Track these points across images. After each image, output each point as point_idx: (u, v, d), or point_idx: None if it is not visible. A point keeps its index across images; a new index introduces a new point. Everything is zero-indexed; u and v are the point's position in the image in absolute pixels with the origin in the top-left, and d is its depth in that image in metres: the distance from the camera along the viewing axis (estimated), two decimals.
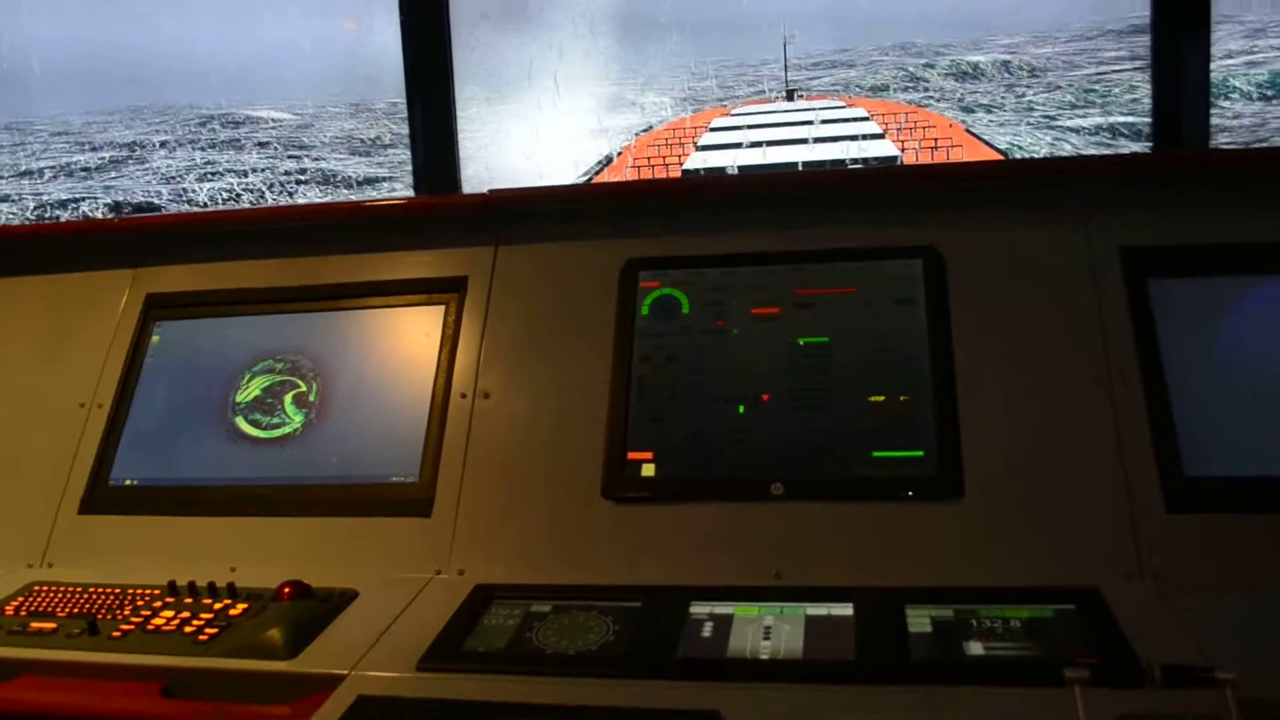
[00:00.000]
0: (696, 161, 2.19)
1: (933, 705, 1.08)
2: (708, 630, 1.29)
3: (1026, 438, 1.48)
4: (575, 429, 1.63)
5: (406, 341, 1.80)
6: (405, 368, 1.77)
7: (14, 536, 1.73)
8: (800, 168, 2.04)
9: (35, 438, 1.82)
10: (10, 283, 1.94)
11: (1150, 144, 2.03)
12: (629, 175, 2.09)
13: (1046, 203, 1.62)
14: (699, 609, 1.34)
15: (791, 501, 1.51)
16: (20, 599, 1.52)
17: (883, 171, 2.08)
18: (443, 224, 1.85)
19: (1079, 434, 1.47)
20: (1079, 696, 0.92)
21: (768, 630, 1.28)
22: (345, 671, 1.25)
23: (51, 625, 1.42)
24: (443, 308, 1.80)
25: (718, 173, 2.04)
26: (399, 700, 1.16)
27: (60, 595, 1.52)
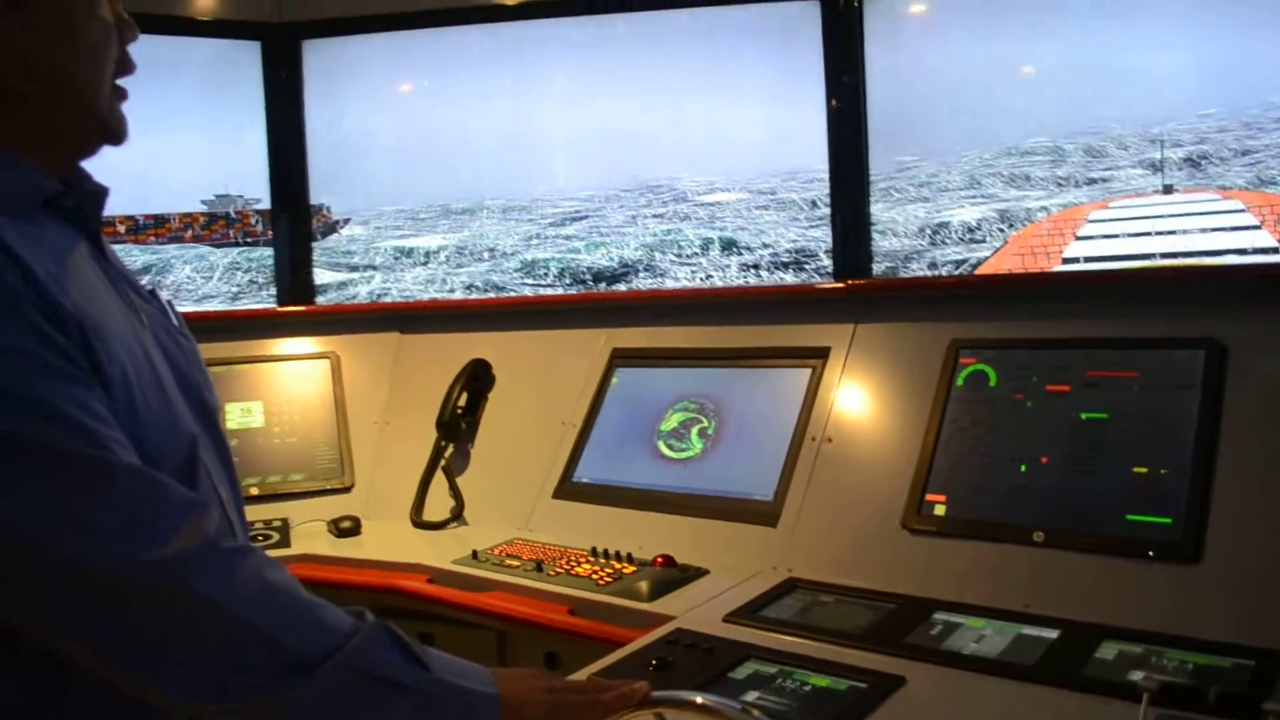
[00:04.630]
0: (1075, 250, 2.27)
1: (1051, 704, 1.38)
2: (936, 630, 1.67)
3: (1276, 518, 1.64)
4: (890, 472, 2.05)
5: (780, 394, 2.33)
6: (776, 414, 2.30)
7: (512, 508, 2.52)
8: (1159, 257, 2.26)
9: (532, 444, 2.62)
10: (525, 335, 2.79)
11: None
12: (1011, 260, 2.24)
13: None
14: (939, 615, 1.72)
15: (1049, 549, 1.80)
16: (504, 546, 2.29)
17: (1172, 270, 2.23)
18: (816, 305, 2.37)
19: None
20: (1144, 705, 1.19)
21: (981, 638, 1.62)
22: (676, 614, 1.82)
23: (517, 563, 2.16)
24: (809, 370, 2.32)
25: (1093, 261, 2.19)
26: (698, 634, 1.69)
27: (528, 547, 2.26)
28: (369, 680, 0.97)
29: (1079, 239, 2.67)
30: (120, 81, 1.14)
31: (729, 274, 2.84)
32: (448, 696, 1.03)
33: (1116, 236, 2.60)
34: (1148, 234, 2.53)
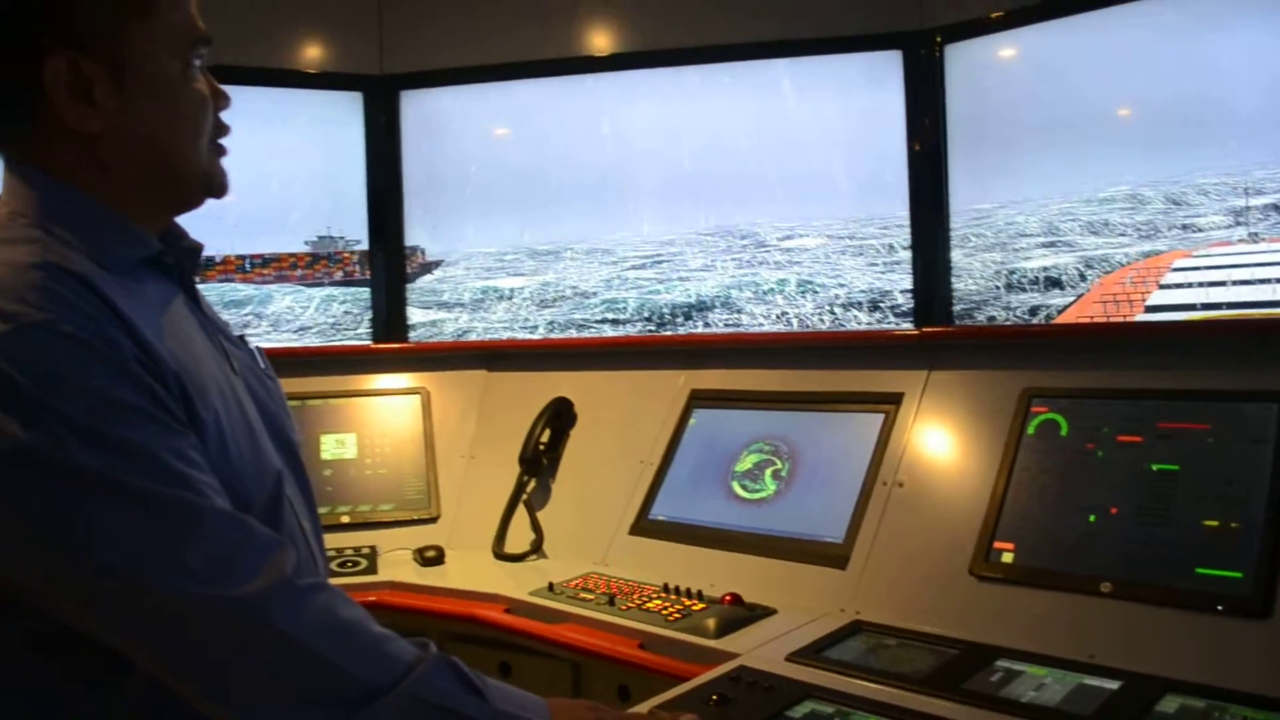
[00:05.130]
0: (1159, 298, 2.23)
1: None
2: (996, 677, 1.68)
3: None
4: (960, 518, 2.07)
5: (853, 438, 2.36)
6: (849, 457, 2.34)
7: (590, 544, 2.60)
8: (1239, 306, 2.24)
9: (611, 481, 2.69)
10: (606, 375, 2.87)
11: None
12: (1094, 308, 2.21)
13: None
14: (1001, 663, 1.73)
15: (1117, 600, 1.80)
16: (580, 580, 2.37)
17: (1246, 322, 2.19)
18: (891, 352, 2.41)
19: None
20: None
21: (1041, 686, 1.63)
22: (741, 653, 1.86)
23: (591, 596, 2.23)
24: (883, 415, 2.35)
25: (1177, 310, 2.15)
26: (760, 672, 1.73)
27: (602, 581, 2.33)
28: (430, 709, 1.05)
29: (1162, 287, 2.65)
30: (228, 137, 1.26)
31: (804, 311, 2.89)
32: None
33: (1201, 285, 2.58)
34: (1233, 283, 2.50)
